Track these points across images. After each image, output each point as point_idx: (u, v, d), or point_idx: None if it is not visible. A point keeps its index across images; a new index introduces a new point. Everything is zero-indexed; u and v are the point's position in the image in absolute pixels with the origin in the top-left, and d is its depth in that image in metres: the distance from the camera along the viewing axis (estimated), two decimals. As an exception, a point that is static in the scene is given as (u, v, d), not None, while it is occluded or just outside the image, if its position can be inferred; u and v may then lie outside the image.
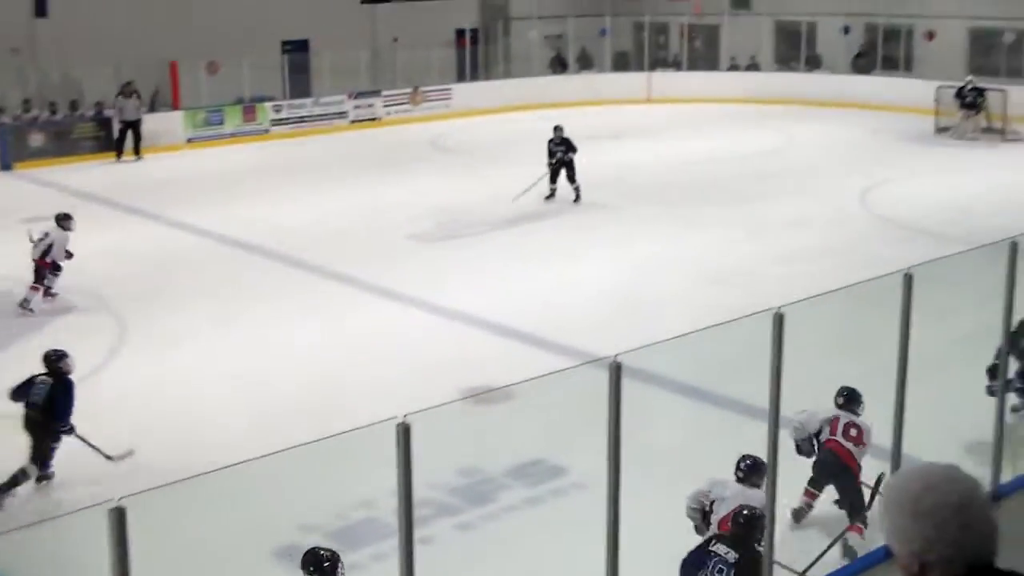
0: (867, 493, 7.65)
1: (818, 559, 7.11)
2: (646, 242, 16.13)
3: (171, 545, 7.38)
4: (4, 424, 9.03)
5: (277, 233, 16.74)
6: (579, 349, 11.01)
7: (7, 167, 22.11)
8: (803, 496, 8.10)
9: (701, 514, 7.19)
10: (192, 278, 14.77)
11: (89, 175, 21.44)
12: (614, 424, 5.35)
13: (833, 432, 7.98)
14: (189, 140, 24.52)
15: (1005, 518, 2.31)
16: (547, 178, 18.62)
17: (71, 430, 8.87)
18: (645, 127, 26.20)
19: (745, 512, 6.52)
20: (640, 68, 31.24)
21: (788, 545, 7.43)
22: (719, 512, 7.03)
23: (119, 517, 4.00)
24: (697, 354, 8.88)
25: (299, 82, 27.02)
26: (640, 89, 30.01)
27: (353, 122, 26.90)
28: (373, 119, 27.20)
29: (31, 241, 13.57)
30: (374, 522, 7.94)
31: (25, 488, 8.79)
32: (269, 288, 14.31)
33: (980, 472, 7.38)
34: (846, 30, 30.03)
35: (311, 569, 6.00)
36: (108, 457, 8.91)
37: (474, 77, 30.14)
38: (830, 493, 8.13)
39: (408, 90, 27.92)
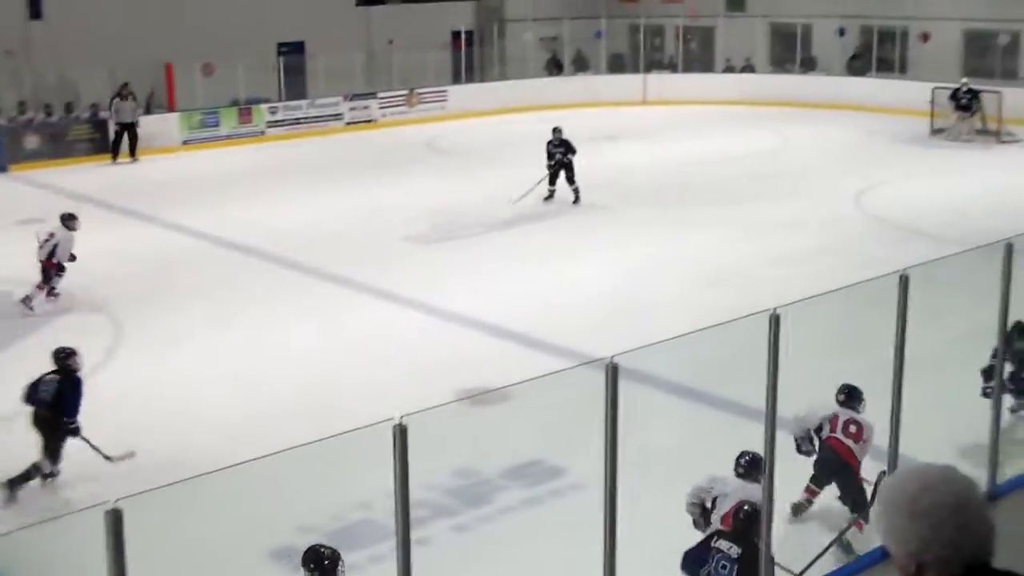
0: (869, 491, 7.66)
1: (815, 560, 7.12)
2: (642, 243, 16.14)
3: (168, 546, 7.37)
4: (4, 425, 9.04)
5: (273, 235, 16.73)
6: (576, 350, 11.01)
7: (2, 169, 22.09)
8: (804, 492, 8.15)
9: (700, 509, 7.23)
10: (188, 280, 14.76)
11: (85, 177, 21.42)
12: (611, 425, 5.35)
13: (833, 429, 8.01)
14: (184, 142, 24.51)
15: (1002, 518, 2.31)
16: (546, 180, 18.63)
17: (78, 429, 8.90)
18: (641, 129, 26.22)
19: (746, 508, 6.54)
20: (636, 70, 31.27)
21: (786, 543, 7.43)
22: (721, 508, 7.07)
23: (115, 519, 4.00)
24: (693, 355, 8.89)
25: (295, 84, 27.00)
26: (636, 91, 30.04)
27: (349, 124, 26.90)
28: (369, 121, 27.20)
29: (38, 243, 13.62)
30: (371, 523, 7.94)
31: (32, 485, 8.81)
32: (265, 289, 14.30)
33: (976, 472, 7.39)
34: (841, 32, 30.07)
35: (312, 566, 6.04)
36: (108, 458, 8.92)
37: (470, 79, 30.14)
38: (832, 489, 8.16)
39: (404, 92, 27.92)
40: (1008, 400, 8.94)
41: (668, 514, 7.45)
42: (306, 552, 6.13)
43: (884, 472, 7.28)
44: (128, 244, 16.34)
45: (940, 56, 28.17)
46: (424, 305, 13.42)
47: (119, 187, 20.56)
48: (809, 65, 30.72)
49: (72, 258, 13.66)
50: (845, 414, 8.06)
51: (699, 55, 32.53)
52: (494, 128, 26.65)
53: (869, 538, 7.43)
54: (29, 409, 9.03)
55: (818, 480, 8.10)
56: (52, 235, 13.67)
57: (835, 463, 7.97)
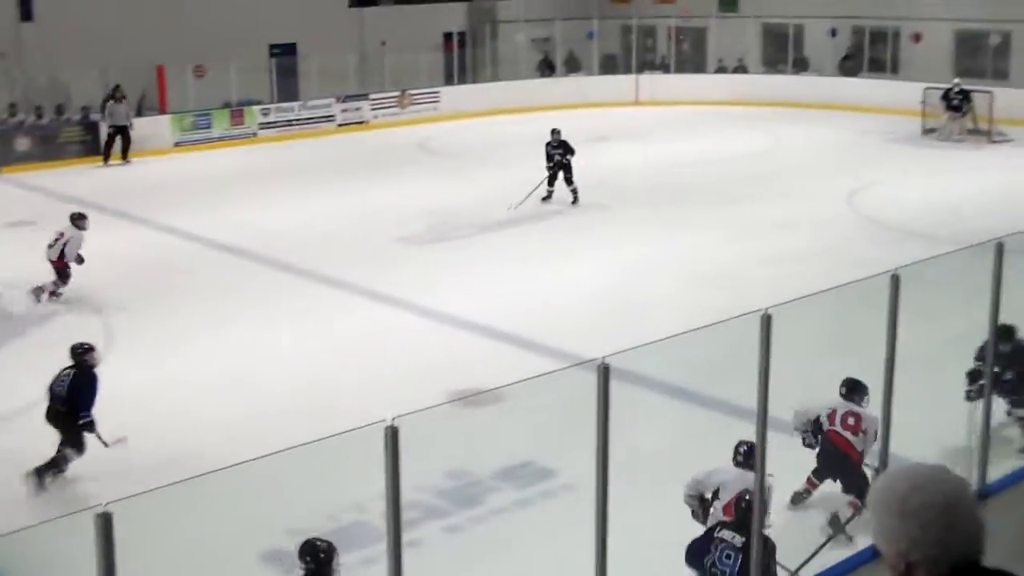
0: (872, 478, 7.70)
1: (811, 558, 7.13)
2: (635, 244, 16.14)
3: (161, 548, 7.36)
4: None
5: (265, 237, 16.71)
6: (568, 351, 11.01)
7: (-7, 171, 22.05)
8: (805, 483, 8.25)
9: (699, 500, 7.27)
10: (181, 282, 14.73)
11: (76, 179, 21.36)
12: (602, 426, 5.36)
13: (832, 422, 8.10)
14: (176, 144, 24.46)
15: (991, 516, 2.31)
16: (545, 182, 18.63)
17: (92, 423, 9.02)
18: (633, 130, 26.22)
19: (748, 497, 6.57)
20: (628, 71, 31.28)
21: (786, 531, 7.43)
22: (722, 499, 7.13)
23: (106, 523, 3.99)
24: (685, 356, 8.89)
25: (287, 86, 26.98)
26: (628, 92, 30.06)
27: (341, 125, 26.88)
28: (361, 122, 27.18)
29: (48, 243, 13.72)
30: (363, 525, 7.92)
31: (30, 486, 8.84)
32: (258, 291, 14.28)
33: (967, 471, 7.41)
34: (833, 32, 30.12)
35: (308, 559, 6.12)
36: (106, 444, 9.06)
37: (462, 80, 30.14)
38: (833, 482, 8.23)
39: (396, 93, 27.91)
40: (1003, 403, 8.95)
41: (659, 514, 7.45)
42: (302, 545, 6.21)
43: (876, 471, 7.32)
44: (120, 246, 16.29)
45: (932, 56, 28.25)
46: (417, 306, 13.41)
47: (111, 189, 20.51)
48: (801, 65, 30.76)
49: (80, 260, 13.70)
50: (845, 407, 8.14)
51: (691, 56, 32.56)
52: (486, 129, 26.65)
53: (867, 526, 7.43)
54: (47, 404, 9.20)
55: (819, 473, 8.21)
56: (62, 234, 13.78)
57: (835, 455, 8.07)
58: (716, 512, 7.14)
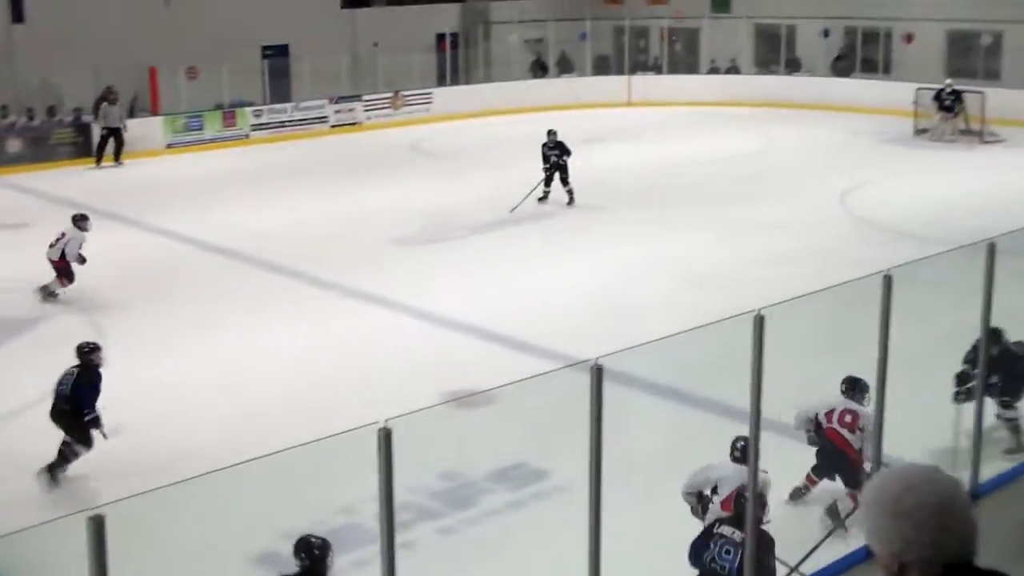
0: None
1: (811, 552, 7.14)
2: (628, 245, 16.14)
3: (153, 551, 7.34)
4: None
5: (258, 238, 16.68)
6: (561, 352, 11.01)
7: (-15, 173, 21.99)
8: (804, 479, 8.32)
9: (697, 497, 7.28)
10: (173, 284, 14.71)
11: (68, 181, 21.31)
12: (596, 427, 5.35)
13: (830, 420, 8.17)
14: (169, 146, 24.42)
15: (984, 517, 2.32)
16: (542, 183, 18.63)
17: (97, 420, 9.11)
18: (626, 130, 26.23)
19: (746, 493, 6.56)
20: (620, 72, 31.29)
21: (783, 535, 7.43)
22: (721, 494, 7.15)
23: (98, 526, 3.97)
24: (679, 357, 8.89)
25: (279, 87, 26.94)
26: (621, 92, 30.07)
27: (334, 127, 26.85)
28: (354, 124, 27.16)
29: (49, 243, 13.78)
30: (356, 528, 7.91)
31: (31, 485, 8.85)
32: (250, 293, 14.27)
33: (959, 471, 7.42)
34: (825, 33, 30.15)
35: (303, 556, 6.18)
36: (105, 436, 9.15)
37: (455, 81, 30.15)
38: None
39: (389, 94, 27.89)
40: (990, 406, 8.97)
41: (653, 516, 7.45)
42: (297, 541, 6.25)
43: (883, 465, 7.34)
44: (112, 248, 16.23)
45: (924, 57, 28.30)
46: (411, 308, 13.40)
47: (103, 191, 20.46)
48: (794, 66, 30.80)
49: (82, 260, 13.72)
50: (843, 405, 8.20)
51: (684, 56, 32.58)
52: (479, 130, 26.64)
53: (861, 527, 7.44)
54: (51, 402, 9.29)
55: (819, 470, 8.28)
56: (63, 235, 13.86)
57: (833, 453, 8.15)
58: (715, 508, 7.16)
